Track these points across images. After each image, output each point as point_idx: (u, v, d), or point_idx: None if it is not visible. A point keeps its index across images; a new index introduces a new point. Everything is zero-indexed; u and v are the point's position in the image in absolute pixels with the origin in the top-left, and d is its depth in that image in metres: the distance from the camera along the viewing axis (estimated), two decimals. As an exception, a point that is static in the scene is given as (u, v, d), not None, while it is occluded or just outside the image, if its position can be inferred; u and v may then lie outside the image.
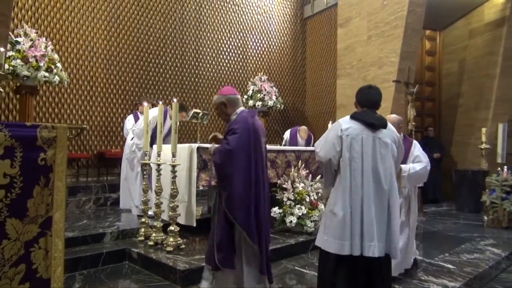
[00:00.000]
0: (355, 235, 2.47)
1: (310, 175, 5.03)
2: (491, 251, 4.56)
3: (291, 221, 4.60)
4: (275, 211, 4.70)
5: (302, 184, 4.85)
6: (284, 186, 4.78)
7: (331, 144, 2.64)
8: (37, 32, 5.83)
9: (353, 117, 2.66)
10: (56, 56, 5.74)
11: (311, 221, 4.62)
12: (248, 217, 2.58)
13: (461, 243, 4.89)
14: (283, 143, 7.66)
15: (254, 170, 2.64)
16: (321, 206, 4.76)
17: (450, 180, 7.83)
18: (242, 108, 2.85)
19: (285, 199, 4.71)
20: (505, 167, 6.16)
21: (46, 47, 5.60)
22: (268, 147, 5.36)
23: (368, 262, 2.49)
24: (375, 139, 2.58)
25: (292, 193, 4.74)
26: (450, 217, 6.77)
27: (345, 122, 2.65)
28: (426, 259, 4.14)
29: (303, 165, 5.10)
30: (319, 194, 4.90)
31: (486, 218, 6.02)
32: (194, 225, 4.11)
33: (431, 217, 6.73)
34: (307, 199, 4.75)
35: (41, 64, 5.42)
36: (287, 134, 7.70)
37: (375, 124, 2.60)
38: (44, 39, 5.76)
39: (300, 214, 4.61)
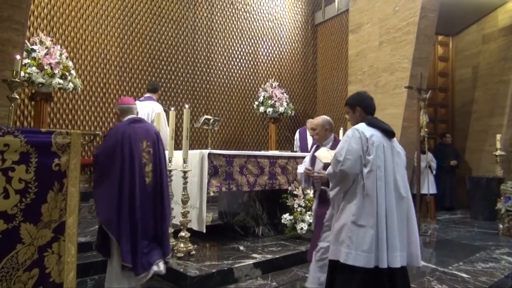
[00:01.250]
0: (382, 247, 2.35)
1: (321, 181, 4.99)
2: (506, 260, 4.45)
3: (302, 228, 4.57)
4: (286, 217, 4.67)
5: (313, 191, 4.82)
6: (295, 192, 4.75)
7: (357, 156, 2.44)
8: (52, 40, 5.96)
9: (371, 124, 2.54)
10: (70, 64, 5.85)
11: (322, 228, 4.58)
12: (111, 216, 2.69)
13: (475, 251, 4.79)
14: (295, 143, 7.72)
15: (119, 174, 2.75)
16: (332, 213, 4.72)
17: (464, 188, 7.70)
18: (130, 116, 3.04)
19: (296, 206, 4.68)
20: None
21: (60, 54, 5.71)
22: (279, 153, 5.36)
23: (392, 273, 2.41)
24: (392, 148, 2.52)
25: (303, 199, 4.71)
26: (464, 225, 6.66)
27: (366, 130, 2.49)
28: (440, 268, 4.06)
29: (314, 171, 5.06)
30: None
31: (501, 226, 5.89)
32: (204, 231, 4.11)
33: (444, 224, 6.62)
34: (318, 206, 4.71)
35: (56, 71, 5.52)
36: (297, 135, 7.74)
37: (391, 132, 2.54)
38: (59, 47, 5.88)
39: (311, 221, 4.58)
